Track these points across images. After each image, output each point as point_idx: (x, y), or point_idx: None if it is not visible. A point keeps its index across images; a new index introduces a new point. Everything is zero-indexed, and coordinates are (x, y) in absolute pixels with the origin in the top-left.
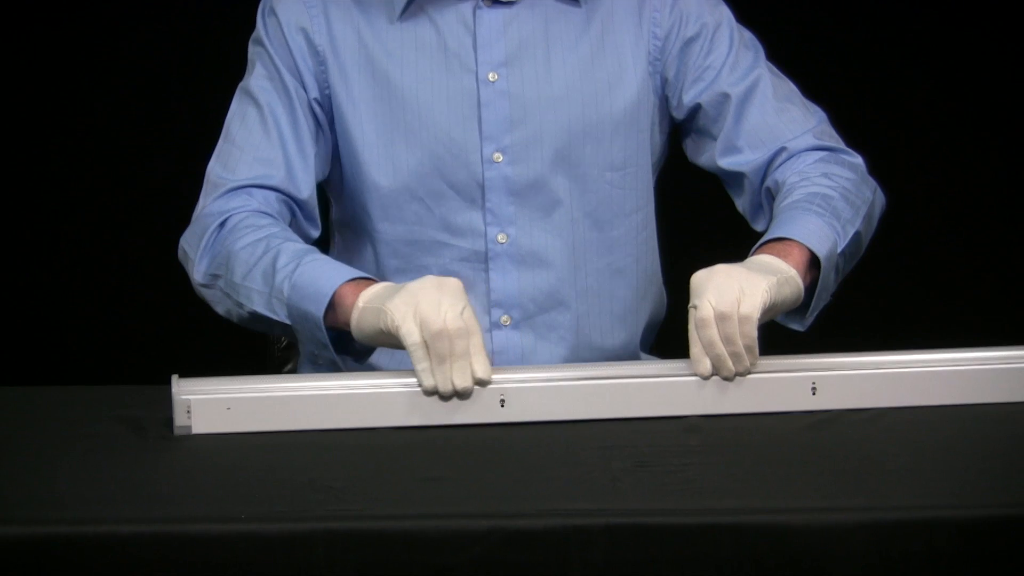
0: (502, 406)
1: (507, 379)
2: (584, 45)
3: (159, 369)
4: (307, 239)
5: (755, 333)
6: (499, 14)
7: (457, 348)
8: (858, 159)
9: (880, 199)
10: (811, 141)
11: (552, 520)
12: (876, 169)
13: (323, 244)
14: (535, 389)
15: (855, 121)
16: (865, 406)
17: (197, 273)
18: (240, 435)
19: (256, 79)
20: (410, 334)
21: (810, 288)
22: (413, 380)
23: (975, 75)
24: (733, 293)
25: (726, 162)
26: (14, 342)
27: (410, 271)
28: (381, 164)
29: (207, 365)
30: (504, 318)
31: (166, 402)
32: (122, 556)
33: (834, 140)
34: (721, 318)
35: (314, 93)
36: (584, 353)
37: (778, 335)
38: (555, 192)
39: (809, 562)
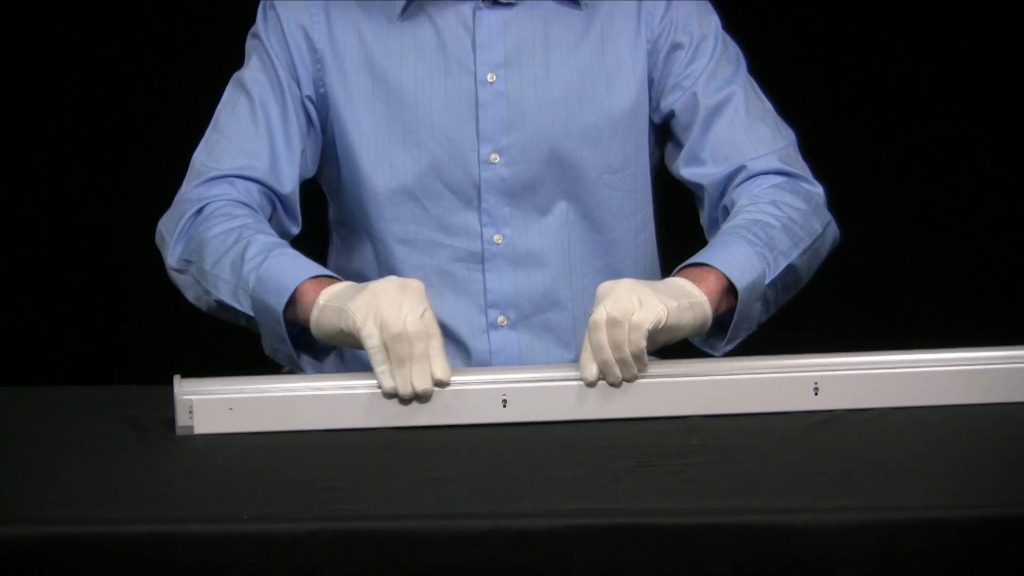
0: (504, 406)
1: (508, 379)
2: (584, 47)
3: (161, 369)
4: (287, 235)
5: (644, 343)
6: (499, 15)
7: (416, 351)
8: (818, 189)
9: (832, 233)
10: (773, 164)
11: (553, 520)
12: (877, 172)
13: (303, 241)
14: (536, 389)
15: (856, 122)
16: (867, 406)
17: (171, 257)
18: (242, 435)
19: (250, 71)
20: (371, 336)
21: (728, 315)
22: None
23: (975, 74)
24: (630, 304)
25: (688, 172)
26: (14, 342)
27: (406, 271)
28: (378, 163)
29: (209, 365)
30: (500, 318)
31: (168, 402)
32: (123, 556)
33: (798, 166)
34: (612, 324)
35: (307, 91)
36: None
37: (780, 335)
38: (551, 194)
39: (811, 562)
